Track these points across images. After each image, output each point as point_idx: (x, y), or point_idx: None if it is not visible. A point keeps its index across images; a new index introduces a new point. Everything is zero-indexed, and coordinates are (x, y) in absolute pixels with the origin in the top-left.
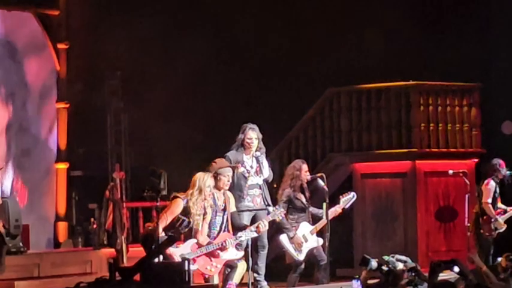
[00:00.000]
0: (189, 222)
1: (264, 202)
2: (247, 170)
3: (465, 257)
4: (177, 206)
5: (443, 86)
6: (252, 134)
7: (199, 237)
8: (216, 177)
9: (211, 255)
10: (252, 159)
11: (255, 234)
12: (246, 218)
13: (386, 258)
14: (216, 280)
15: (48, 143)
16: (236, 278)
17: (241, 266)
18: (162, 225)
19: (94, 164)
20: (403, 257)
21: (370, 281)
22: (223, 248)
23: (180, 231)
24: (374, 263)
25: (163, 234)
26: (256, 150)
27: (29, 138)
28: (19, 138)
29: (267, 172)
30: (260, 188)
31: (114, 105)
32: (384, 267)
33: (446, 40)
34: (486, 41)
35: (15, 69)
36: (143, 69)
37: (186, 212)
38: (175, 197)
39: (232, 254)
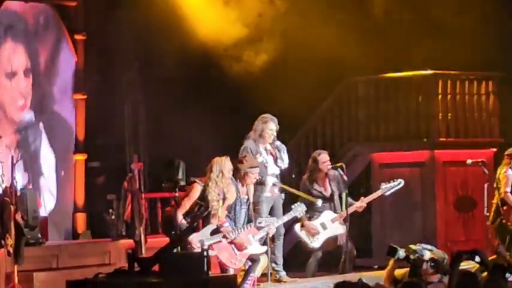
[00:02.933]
0: (207, 207)
1: (280, 191)
2: (265, 160)
3: (484, 246)
4: (196, 191)
5: (461, 74)
6: (273, 126)
7: (214, 221)
8: (246, 174)
9: (236, 248)
10: (267, 149)
11: (274, 220)
12: (265, 209)
13: (413, 247)
14: (231, 271)
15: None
16: (258, 271)
17: (263, 260)
18: (181, 211)
19: (112, 155)
20: (430, 246)
21: (397, 271)
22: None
23: (199, 216)
24: (401, 253)
25: (183, 220)
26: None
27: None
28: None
29: (286, 162)
30: (277, 178)
31: (131, 96)
32: (412, 256)
33: (465, 28)
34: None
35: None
36: (161, 60)
37: (203, 197)
38: (193, 182)
39: (256, 248)
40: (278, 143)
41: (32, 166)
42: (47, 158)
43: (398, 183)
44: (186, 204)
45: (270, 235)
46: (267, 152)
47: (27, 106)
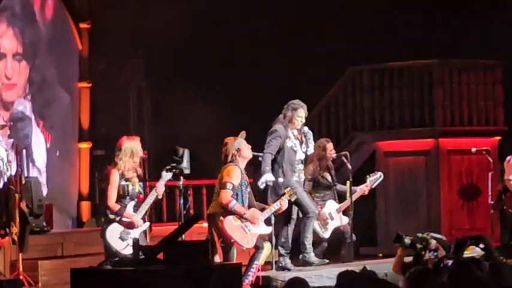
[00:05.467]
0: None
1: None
2: (294, 144)
3: (488, 234)
4: (114, 176)
5: (466, 63)
6: (303, 113)
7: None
8: (239, 150)
9: (250, 222)
10: (295, 135)
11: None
12: (300, 190)
13: (420, 235)
14: (216, 259)
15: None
16: (262, 259)
17: (267, 247)
18: (110, 201)
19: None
20: (438, 235)
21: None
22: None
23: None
24: (407, 240)
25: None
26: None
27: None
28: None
29: (311, 148)
30: (302, 163)
31: (136, 84)
32: (418, 245)
33: (470, 17)
34: (509, 17)
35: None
36: (165, 48)
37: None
38: (109, 168)
39: (263, 228)
40: (306, 129)
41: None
42: (40, 150)
43: (379, 176)
44: (112, 192)
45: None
46: (295, 137)
47: (17, 90)
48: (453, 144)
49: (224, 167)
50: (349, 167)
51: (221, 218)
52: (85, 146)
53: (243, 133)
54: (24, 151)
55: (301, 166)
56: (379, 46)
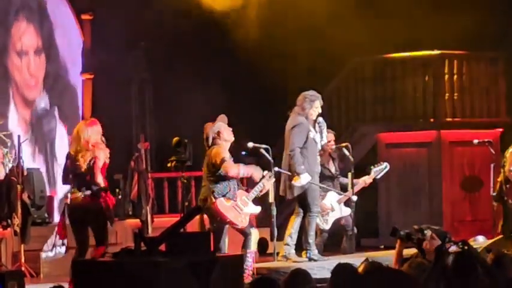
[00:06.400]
0: None
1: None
2: (316, 136)
3: (490, 226)
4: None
5: (468, 55)
6: (319, 104)
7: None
8: (219, 133)
9: (238, 208)
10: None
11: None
12: (317, 180)
13: (416, 227)
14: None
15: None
16: (253, 245)
17: (255, 233)
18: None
19: (119, 134)
20: (437, 227)
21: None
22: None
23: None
24: (402, 232)
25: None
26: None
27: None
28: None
29: (325, 138)
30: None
31: (138, 75)
32: (414, 237)
33: (472, 8)
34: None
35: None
36: (168, 40)
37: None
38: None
39: (253, 208)
40: (320, 119)
41: (47, 151)
42: (62, 143)
43: (385, 167)
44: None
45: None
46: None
47: (39, 86)
48: (455, 136)
49: (209, 151)
50: (351, 158)
51: (213, 199)
52: None
53: (223, 116)
54: (48, 146)
55: (319, 158)
56: (382, 37)
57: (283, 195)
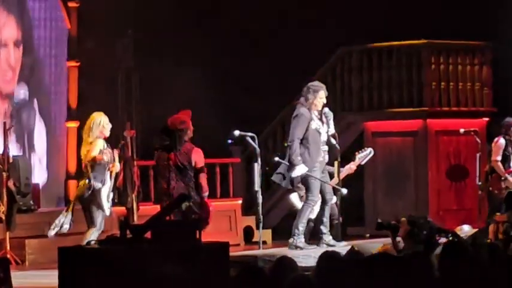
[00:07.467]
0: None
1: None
2: (319, 126)
3: (476, 215)
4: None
5: (454, 44)
6: (323, 94)
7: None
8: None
9: None
10: (318, 116)
11: None
12: (319, 175)
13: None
14: None
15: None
16: None
17: None
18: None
19: None
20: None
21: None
22: None
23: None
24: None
25: None
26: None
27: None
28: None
29: (332, 128)
30: (327, 145)
31: (125, 63)
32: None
33: None
34: None
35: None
36: (155, 27)
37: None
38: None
39: None
40: (326, 109)
41: (26, 141)
42: (40, 134)
43: (369, 152)
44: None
45: None
46: (318, 119)
47: (16, 79)
48: (441, 125)
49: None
50: (338, 147)
51: None
52: (73, 125)
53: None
54: (26, 137)
55: (325, 147)
56: (368, 27)
57: (279, 183)
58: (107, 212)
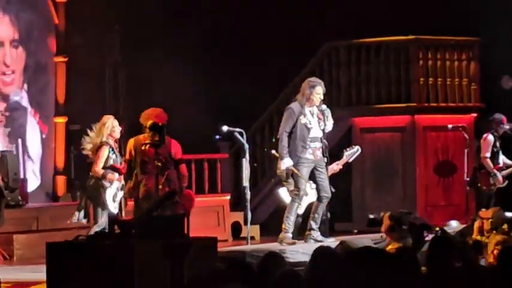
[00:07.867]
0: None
1: (323, 155)
2: (309, 121)
3: (463, 211)
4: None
5: (442, 40)
6: (320, 90)
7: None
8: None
9: None
10: (313, 112)
11: None
12: (305, 171)
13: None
14: None
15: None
16: None
17: None
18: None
19: (92, 118)
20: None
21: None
22: None
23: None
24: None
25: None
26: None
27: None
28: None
29: (329, 125)
30: (320, 141)
31: (112, 58)
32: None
33: None
34: None
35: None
36: (142, 23)
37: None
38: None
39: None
40: (324, 106)
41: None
42: (34, 140)
43: (357, 150)
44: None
45: None
46: (313, 115)
47: (15, 80)
48: (429, 121)
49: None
50: (325, 142)
51: None
52: (61, 120)
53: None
54: (19, 141)
55: (317, 144)
56: (356, 22)
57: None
58: (114, 211)
